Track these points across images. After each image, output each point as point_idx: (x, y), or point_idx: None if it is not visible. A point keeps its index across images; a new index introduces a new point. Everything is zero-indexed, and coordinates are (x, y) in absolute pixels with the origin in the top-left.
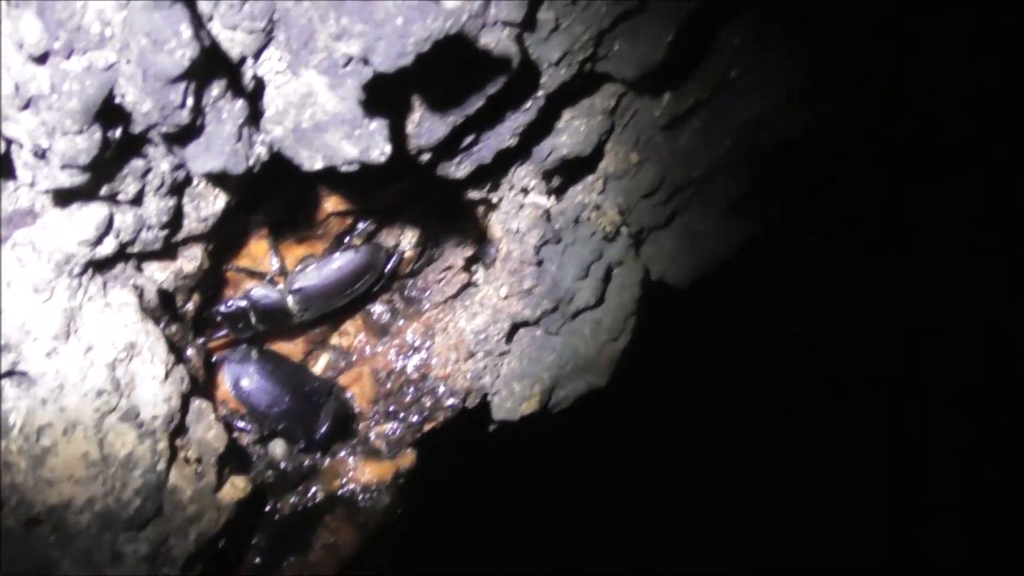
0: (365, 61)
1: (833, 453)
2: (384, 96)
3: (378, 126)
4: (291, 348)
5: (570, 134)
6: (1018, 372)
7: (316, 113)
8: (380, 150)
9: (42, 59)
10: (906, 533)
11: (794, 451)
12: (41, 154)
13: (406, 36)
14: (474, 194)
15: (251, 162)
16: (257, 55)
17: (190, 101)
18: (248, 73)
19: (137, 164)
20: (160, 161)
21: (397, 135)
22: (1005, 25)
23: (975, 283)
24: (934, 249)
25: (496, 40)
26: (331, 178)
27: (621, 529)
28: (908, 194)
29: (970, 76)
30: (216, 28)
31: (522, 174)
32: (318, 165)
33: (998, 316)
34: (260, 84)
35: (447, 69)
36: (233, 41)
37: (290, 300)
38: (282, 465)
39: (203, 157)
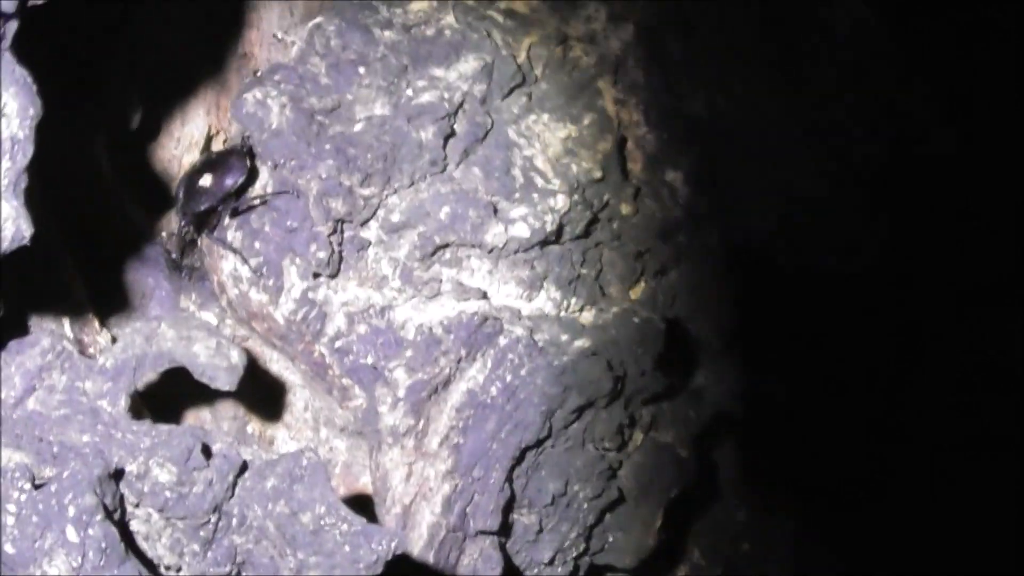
0: None
1: (833, 453)
2: None
3: None
4: None
5: None
6: (1018, 372)
7: None
8: None
9: None
10: (906, 534)
11: (794, 451)
12: None
13: (356, 561)
14: None
15: None
16: None
17: None
18: None
19: None
20: None
21: None
22: (1005, 25)
23: (975, 283)
24: (934, 249)
25: (479, 548)
26: None
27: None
28: (907, 196)
29: (970, 76)
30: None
31: None
32: None
33: (998, 316)
34: None
35: None
36: None
37: None
38: None
39: None
